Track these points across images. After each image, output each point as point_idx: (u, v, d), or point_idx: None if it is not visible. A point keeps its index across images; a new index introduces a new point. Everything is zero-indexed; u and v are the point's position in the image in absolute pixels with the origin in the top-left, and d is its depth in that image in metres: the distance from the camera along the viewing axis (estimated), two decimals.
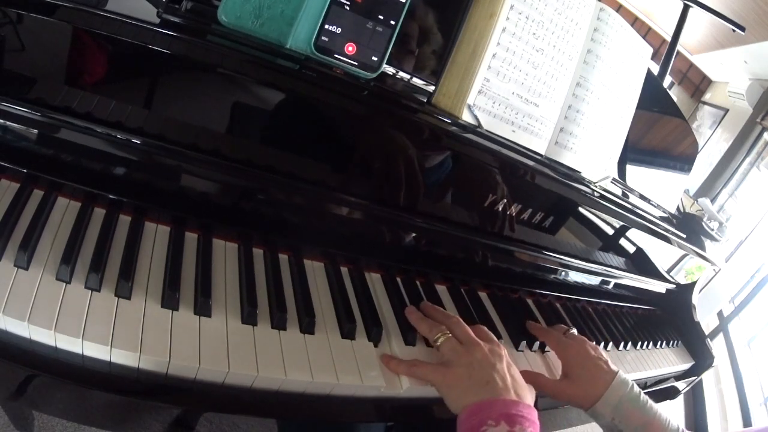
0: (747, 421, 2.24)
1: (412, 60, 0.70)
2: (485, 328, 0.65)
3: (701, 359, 1.20)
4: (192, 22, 0.59)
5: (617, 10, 0.91)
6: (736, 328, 3.06)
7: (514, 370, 0.59)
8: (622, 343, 0.96)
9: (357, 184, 0.66)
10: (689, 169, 1.10)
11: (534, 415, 0.54)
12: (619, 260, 0.99)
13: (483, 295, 0.83)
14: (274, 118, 0.60)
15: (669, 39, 1.31)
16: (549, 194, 0.78)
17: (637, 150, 0.98)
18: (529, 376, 0.70)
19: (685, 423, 0.72)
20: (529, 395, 0.57)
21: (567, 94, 0.76)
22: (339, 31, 0.62)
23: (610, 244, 0.95)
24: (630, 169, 0.96)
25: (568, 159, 0.79)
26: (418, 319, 0.65)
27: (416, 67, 0.71)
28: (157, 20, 0.55)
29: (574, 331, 0.78)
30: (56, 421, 1.09)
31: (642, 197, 0.98)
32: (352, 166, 0.65)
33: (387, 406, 0.60)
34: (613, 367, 0.70)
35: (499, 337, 0.74)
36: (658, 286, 1.17)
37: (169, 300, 0.52)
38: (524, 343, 0.77)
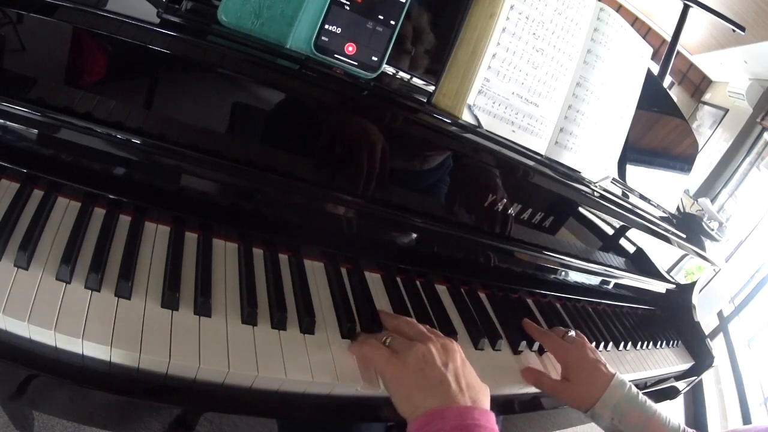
0: (747, 421, 2.24)
1: (411, 60, 0.70)
2: (435, 330, 0.60)
3: (701, 359, 1.20)
4: (192, 22, 0.58)
5: (617, 10, 0.91)
6: (736, 328, 3.06)
7: (468, 370, 0.55)
8: (622, 343, 0.96)
9: (357, 184, 0.66)
10: (689, 169, 1.10)
11: (491, 420, 0.50)
12: (619, 260, 0.99)
13: (483, 295, 0.83)
14: (274, 118, 0.60)
15: (669, 39, 1.31)
16: (549, 194, 0.78)
17: (637, 150, 0.98)
18: (532, 375, 0.71)
19: (685, 423, 0.72)
20: (484, 397, 0.53)
21: (567, 94, 0.76)
22: (339, 31, 0.62)
23: (610, 244, 0.95)
24: (630, 169, 0.96)
25: (568, 159, 0.79)
26: (360, 340, 0.59)
27: (416, 67, 0.71)
28: (157, 20, 0.55)
29: (573, 333, 0.78)
30: (56, 421, 1.09)
31: (642, 197, 0.98)
32: (352, 165, 0.65)
33: (387, 406, 0.60)
34: (611, 369, 0.71)
35: (499, 337, 0.74)
36: (658, 286, 1.17)
37: (169, 300, 0.52)
38: (524, 343, 0.77)
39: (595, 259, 0.94)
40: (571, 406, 0.70)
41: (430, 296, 0.75)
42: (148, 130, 0.55)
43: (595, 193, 0.81)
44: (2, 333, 0.44)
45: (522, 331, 0.79)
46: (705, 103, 5.77)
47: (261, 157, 0.60)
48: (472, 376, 0.54)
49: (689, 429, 0.67)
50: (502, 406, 0.71)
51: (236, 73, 0.56)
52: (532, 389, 0.73)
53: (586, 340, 0.76)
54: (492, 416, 0.50)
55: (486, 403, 0.53)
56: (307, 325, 0.58)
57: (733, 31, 1.33)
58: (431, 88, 0.71)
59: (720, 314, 3.17)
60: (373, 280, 0.72)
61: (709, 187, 4.31)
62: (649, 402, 0.68)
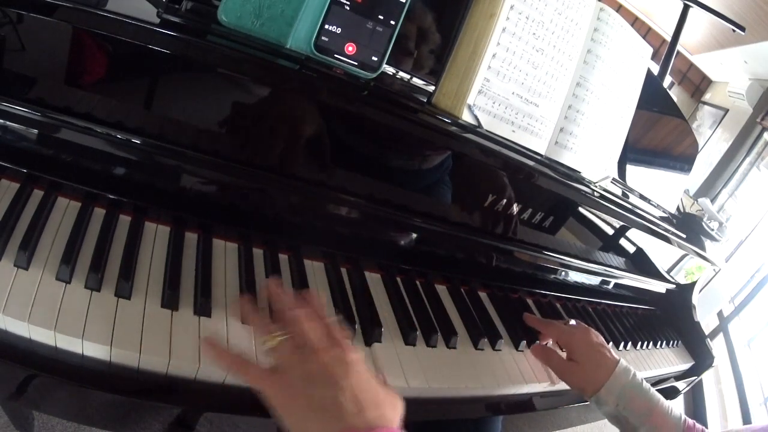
0: (747, 421, 2.24)
1: (412, 60, 0.70)
2: (335, 326, 0.50)
3: (701, 359, 1.20)
4: (192, 22, 0.58)
5: (617, 10, 0.91)
6: (736, 328, 3.05)
7: (367, 383, 0.46)
8: (622, 343, 0.96)
9: (357, 184, 0.66)
10: (689, 169, 1.10)
11: None
12: (619, 260, 0.99)
13: (483, 295, 0.83)
14: (273, 118, 0.60)
15: (669, 39, 1.31)
16: (549, 194, 0.78)
17: (637, 150, 0.98)
18: (542, 353, 0.73)
19: None
20: (390, 410, 0.46)
21: (567, 94, 0.76)
22: (339, 31, 0.62)
23: (610, 244, 0.95)
24: (630, 169, 0.96)
25: (568, 159, 0.79)
26: (248, 311, 0.52)
27: (416, 67, 0.71)
28: (157, 20, 0.55)
29: (573, 321, 0.78)
30: (56, 421, 1.09)
31: (642, 197, 0.98)
32: (352, 165, 0.65)
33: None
34: (615, 355, 0.71)
35: (498, 337, 0.74)
36: (658, 286, 1.17)
37: (169, 300, 0.52)
38: (524, 343, 0.77)
39: (595, 259, 0.94)
40: (576, 389, 0.70)
41: (430, 296, 0.75)
42: (148, 130, 0.55)
43: (595, 193, 0.81)
44: (2, 333, 0.44)
45: (522, 330, 0.79)
46: (705, 103, 5.76)
47: (261, 157, 0.60)
48: (373, 390, 0.46)
49: (690, 419, 0.67)
50: (502, 406, 0.71)
51: (236, 73, 0.56)
52: (532, 389, 0.73)
53: (589, 327, 0.76)
54: None
55: (392, 414, 0.46)
56: None
57: (733, 31, 1.33)
58: (431, 88, 0.71)
59: (720, 314, 3.17)
60: (373, 280, 0.71)
61: (709, 187, 4.31)
62: (653, 390, 0.69)
